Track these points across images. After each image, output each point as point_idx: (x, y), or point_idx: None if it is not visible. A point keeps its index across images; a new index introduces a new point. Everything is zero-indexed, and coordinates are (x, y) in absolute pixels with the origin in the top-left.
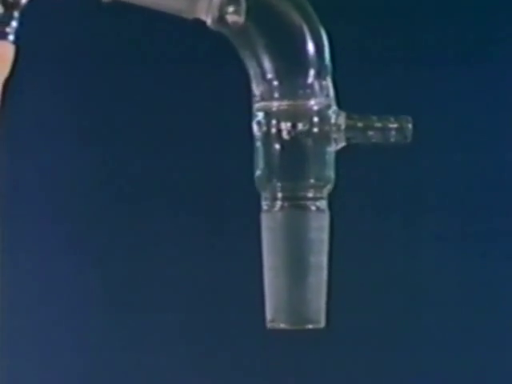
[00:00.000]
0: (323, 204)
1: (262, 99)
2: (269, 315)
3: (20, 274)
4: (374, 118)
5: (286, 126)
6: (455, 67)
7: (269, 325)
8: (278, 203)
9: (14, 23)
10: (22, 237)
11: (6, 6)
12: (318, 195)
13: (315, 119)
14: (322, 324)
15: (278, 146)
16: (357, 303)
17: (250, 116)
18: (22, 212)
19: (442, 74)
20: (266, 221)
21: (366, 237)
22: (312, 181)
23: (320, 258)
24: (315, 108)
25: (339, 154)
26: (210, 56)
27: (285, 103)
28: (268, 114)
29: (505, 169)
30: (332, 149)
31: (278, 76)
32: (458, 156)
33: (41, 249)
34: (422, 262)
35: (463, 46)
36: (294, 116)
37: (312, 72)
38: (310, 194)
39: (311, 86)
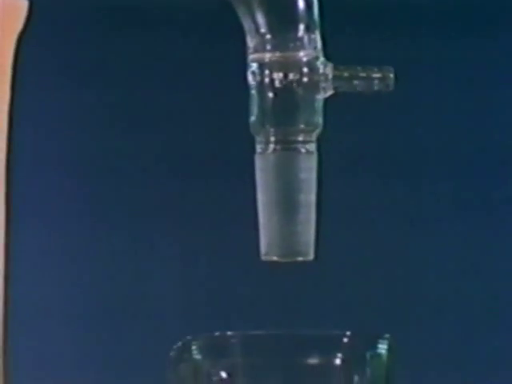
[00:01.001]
0: (312, 147)
1: (256, 51)
2: (263, 249)
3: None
4: (359, 68)
5: (277, 75)
6: (447, 29)
7: (263, 257)
8: (271, 146)
9: None
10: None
11: None
12: (308, 139)
13: (305, 69)
14: (311, 256)
15: (270, 94)
16: (344, 238)
17: (245, 67)
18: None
19: (432, 31)
20: (259, 162)
21: (359, 178)
22: (302, 126)
23: (309, 196)
24: (304, 59)
25: (344, 113)
26: (211, 13)
27: (276, 55)
28: (261, 65)
29: (505, 123)
30: (320, 97)
31: (270, 30)
32: (458, 116)
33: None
34: (415, 202)
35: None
36: (285, 66)
37: (302, 26)
38: (300, 138)
39: (301, 39)
